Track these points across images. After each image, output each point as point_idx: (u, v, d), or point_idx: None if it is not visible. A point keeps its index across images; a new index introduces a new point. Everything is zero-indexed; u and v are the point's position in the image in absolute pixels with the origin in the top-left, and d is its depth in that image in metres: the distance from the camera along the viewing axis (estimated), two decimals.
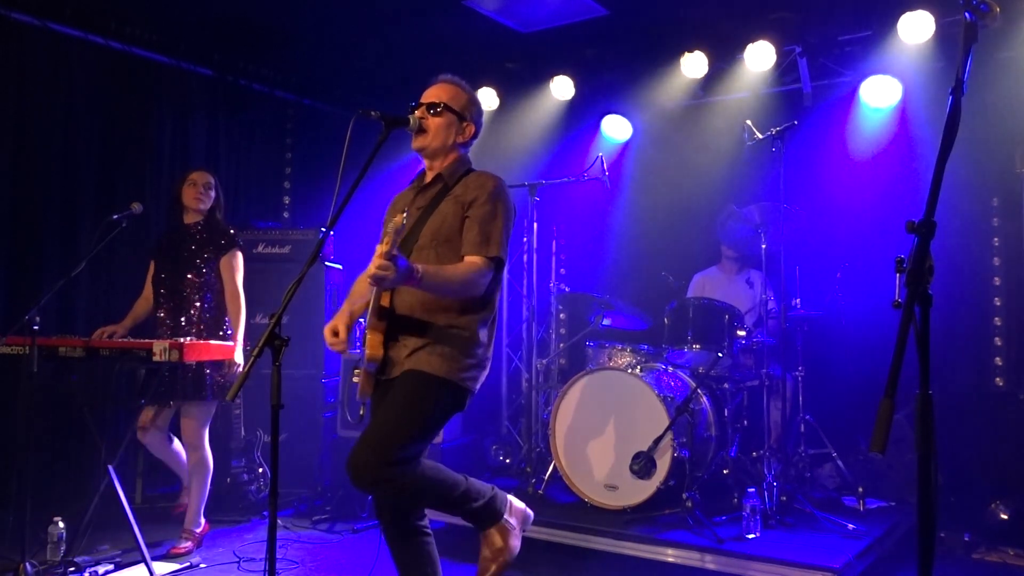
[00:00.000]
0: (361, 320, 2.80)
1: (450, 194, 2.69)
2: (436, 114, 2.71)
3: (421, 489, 2.57)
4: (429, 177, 2.78)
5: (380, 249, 2.27)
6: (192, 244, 4.22)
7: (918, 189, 4.75)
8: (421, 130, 2.70)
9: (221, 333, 4.20)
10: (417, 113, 2.71)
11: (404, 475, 2.50)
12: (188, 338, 3.80)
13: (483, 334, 2.69)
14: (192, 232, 4.25)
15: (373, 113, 2.54)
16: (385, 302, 2.61)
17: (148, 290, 4.31)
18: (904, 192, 4.94)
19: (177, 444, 4.33)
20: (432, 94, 2.75)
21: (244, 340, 4.21)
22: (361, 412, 2.77)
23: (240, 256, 4.29)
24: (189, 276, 4.18)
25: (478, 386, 2.71)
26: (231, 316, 4.22)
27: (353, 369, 2.72)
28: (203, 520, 4.32)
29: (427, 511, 2.77)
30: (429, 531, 2.74)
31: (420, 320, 2.60)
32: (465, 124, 2.77)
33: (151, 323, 4.26)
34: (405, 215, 2.31)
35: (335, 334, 2.67)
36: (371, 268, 2.28)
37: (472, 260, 2.59)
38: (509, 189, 2.75)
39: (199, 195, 4.24)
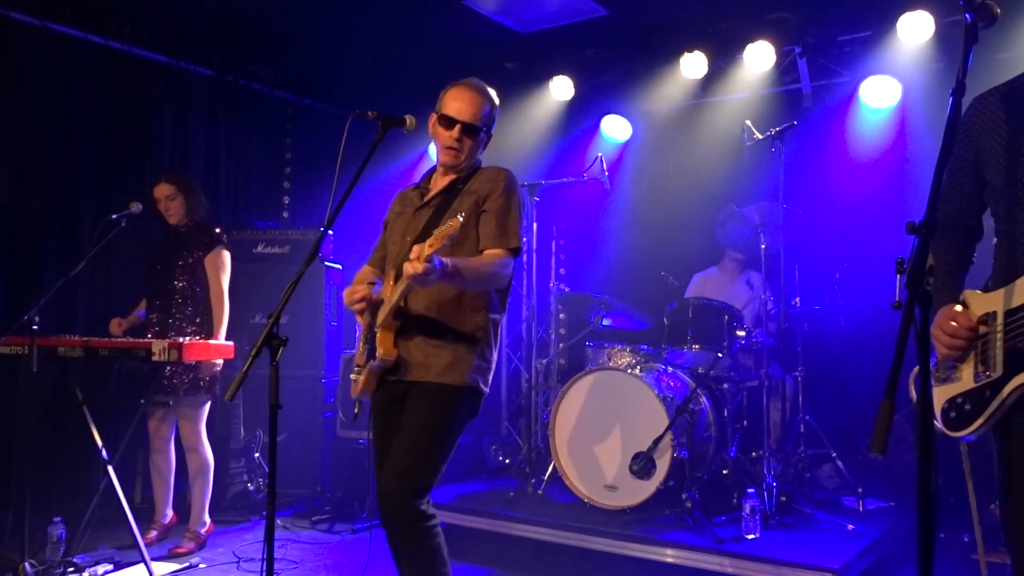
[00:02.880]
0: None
1: (463, 191, 2.69)
2: (471, 136, 2.69)
3: (424, 548, 2.54)
4: (443, 182, 2.77)
5: (423, 250, 2.24)
6: (180, 246, 4.26)
7: (918, 189, 4.75)
8: (452, 147, 2.68)
9: (210, 331, 4.21)
10: (453, 133, 2.67)
11: (426, 519, 2.52)
12: (186, 338, 3.81)
13: (493, 336, 2.70)
14: (180, 234, 4.30)
15: (370, 113, 2.54)
16: (403, 303, 2.60)
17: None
18: (904, 192, 4.93)
19: (172, 462, 4.35)
20: (467, 112, 2.69)
21: (227, 338, 4.23)
22: (356, 411, 2.75)
23: (226, 254, 4.29)
24: (178, 277, 4.21)
25: (488, 388, 2.72)
26: (214, 314, 4.23)
27: (354, 367, 2.70)
28: (208, 520, 4.33)
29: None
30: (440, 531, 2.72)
31: (434, 320, 2.60)
32: (488, 135, 2.79)
33: (147, 321, 4.27)
34: (462, 216, 2.27)
35: (355, 291, 2.67)
36: (409, 268, 2.26)
37: (494, 252, 2.60)
38: (518, 180, 2.76)
39: (166, 210, 4.27)
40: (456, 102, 2.69)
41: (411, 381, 2.61)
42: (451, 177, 2.75)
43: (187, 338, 3.82)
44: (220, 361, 4.17)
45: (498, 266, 2.58)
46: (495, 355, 2.73)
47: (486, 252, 2.61)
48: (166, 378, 4.05)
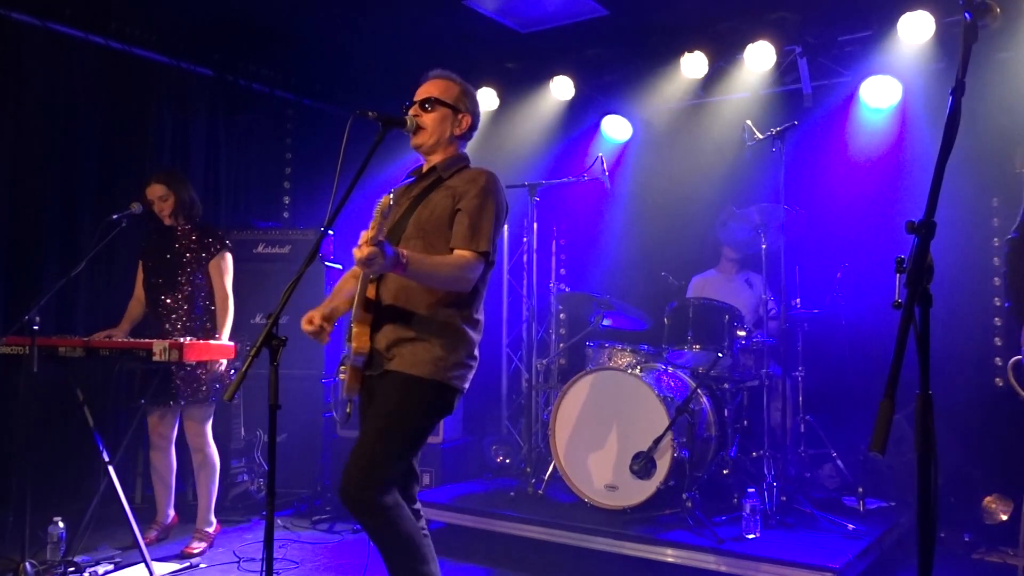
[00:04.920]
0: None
1: (442, 185, 2.67)
2: (428, 110, 2.70)
3: (396, 538, 2.48)
4: (425, 170, 2.78)
5: (366, 234, 2.23)
6: (181, 247, 4.24)
7: (918, 189, 4.75)
8: (418, 128, 2.70)
9: (212, 334, 4.21)
10: (411, 111, 2.71)
11: (388, 510, 2.45)
12: (187, 338, 3.81)
13: (470, 331, 2.65)
14: (180, 235, 4.27)
15: (370, 113, 2.54)
16: (371, 293, 2.57)
17: (139, 291, 4.33)
18: (904, 192, 4.94)
19: (173, 462, 4.34)
20: (423, 91, 2.74)
21: (233, 341, 4.23)
22: (348, 411, 2.72)
23: (230, 258, 4.31)
24: (181, 279, 4.20)
25: (467, 385, 2.67)
26: (218, 318, 4.23)
27: (339, 366, 2.68)
28: (214, 520, 4.33)
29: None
30: (426, 532, 2.69)
31: (407, 312, 2.56)
32: (460, 116, 2.75)
33: (145, 325, 4.27)
34: (391, 194, 2.27)
35: (310, 322, 2.62)
36: (357, 252, 2.25)
37: (461, 254, 2.55)
38: (503, 185, 2.72)
39: (160, 210, 4.23)
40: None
41: (380, 375, 2.58)
42: (434, 174, 2.73)
43: (188, 338, 3.82)
44: (224, 363, 4.16)
45: (460, 268, 2.52)
46: (475, 351, 2.68)
47: (454, 252, 2.57)
48: (175, 384, 4.05)
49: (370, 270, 2.34)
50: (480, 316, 2.72)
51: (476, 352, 2.69)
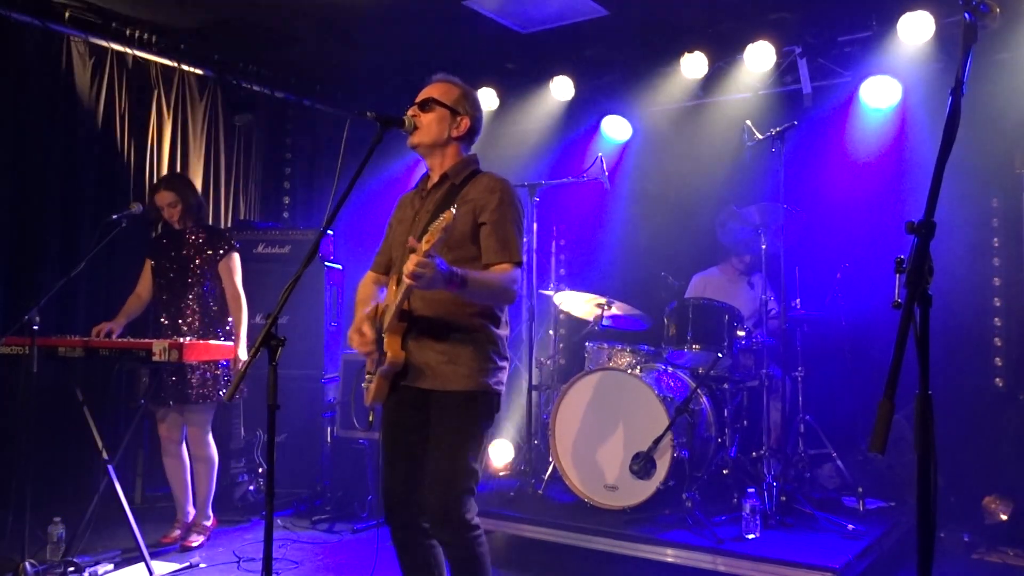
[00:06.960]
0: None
1: (459, 196, 2.67)
2: (426, 110, 2.71)
3: (477, 559, 2.57)
4: (435, 177, 2.77)
5: (421, 247, 2.24)
6: (191, 249, 4.26)
7: (918, 189, 4.75)
8: (415, 127, 2.71)
9: (221, 334, 4.22)
10: (409, 112, 2.72)
11: (475, 528, 2.55)
12: (188, 338, 3.81)
13: (501, 333, 2.69)
14: (189, 237, 4.29)
15: (369, 114, 2.54)
16: (406, 304, 2.59)
17: (142, 288, 4.34)
18: (904, 192, 4.94)
19: (187, 461, 4.34)
20: (424, 93, 2.76)
21: (247, 340, 4.24)
22: (371, 419, 2.74)
23: (237, 258, 4.34)
24: (191, 280, 4.21)
25: (504, 386, 2.72)
26: (233, 317, 4.27)
27: (365, 374, 2.68)
28: (211, 514, 4.35)
29: None
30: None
31: (441, 324, 2.59)
32: (459, 118, 2.74)
33: (153, 326, 4.27)
34: (454, 209, 2.28)
35: (362, 334, 2.64)
36: (409, 265, 2.25)
37: (501, 267, 2.59)
38: (516, 190, 2.75)
39: (170, 216, 4.26)
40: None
41: (426, 390, 2.60)
42: (446, 182, 2.73)
43: (189, 338, 3.82)
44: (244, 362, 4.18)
45: (508, 281, 2.57)
46: (505, 353, 2.72)
47: (493, 267, 2.59)
48: (185, 384, 4.07)
49: (418, 284, 2.31)
50: (506, 317, 2.76)
51: (507, 352, 2.74)
